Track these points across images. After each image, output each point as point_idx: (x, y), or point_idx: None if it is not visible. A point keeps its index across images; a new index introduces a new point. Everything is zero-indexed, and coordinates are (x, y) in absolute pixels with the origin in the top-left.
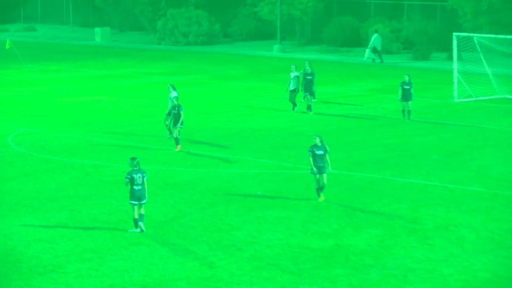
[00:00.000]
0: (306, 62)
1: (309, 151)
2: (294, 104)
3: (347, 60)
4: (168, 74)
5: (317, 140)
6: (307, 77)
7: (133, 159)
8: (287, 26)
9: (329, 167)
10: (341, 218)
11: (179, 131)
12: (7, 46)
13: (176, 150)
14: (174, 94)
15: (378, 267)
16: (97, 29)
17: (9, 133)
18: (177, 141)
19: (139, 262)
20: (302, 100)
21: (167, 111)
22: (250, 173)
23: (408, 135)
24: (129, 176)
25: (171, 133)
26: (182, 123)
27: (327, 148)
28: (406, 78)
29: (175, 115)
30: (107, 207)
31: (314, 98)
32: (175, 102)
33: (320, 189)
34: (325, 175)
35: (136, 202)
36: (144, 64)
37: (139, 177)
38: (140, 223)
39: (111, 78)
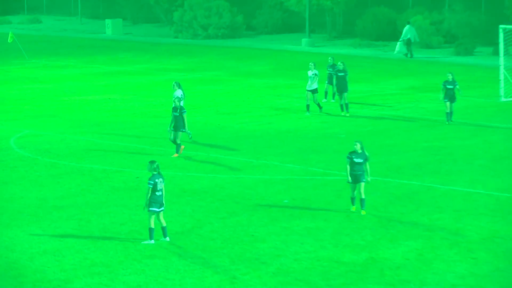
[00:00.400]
0: (329, 58)
1: (347, 157)
2: (319, 106)
3: (382, 55)
4: (186, 70)
5: (358, 147)
6: (339, 74)
7: (152, 162)
8: (316, 17)
9: (368, 177)
10: (375, 229)
11: (180, 135)
12: (9, 40)
13: (174, 156)
14: (178, 93)
15: (416, 283)
16: (108, 21)
17: (11, 135)
18: (178, 146)
19: (154, 276)
20: (333, 100)
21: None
22: (275, 179)
23: (450, 138)
24: (152, 182)
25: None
26: (186, 127)
27: (368, 156)
28: (450, 77)
29: (176, 118)
30: (119, 217)
31: (333, 99)
32: (177, 104)
33: (360, 201)
34: (362, 185)
35: (157, 210)
36: (160, 59)
37: (160, 182)
38: (167, 238)
39: (123, 74)
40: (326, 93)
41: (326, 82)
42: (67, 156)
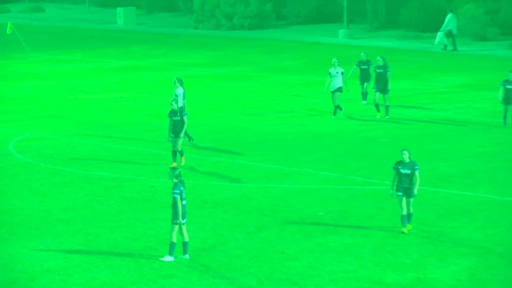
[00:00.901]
0: (362, 54)
1: (394, 168)
2: (339, 108)
3: (430, 49)
4: (207, 65)
5: (405, 156)
6: (378, 70)
7: (174, 169)
8: (355, 5)
9: (415, 190)
10: (422, 245)
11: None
12: (8, 31)
13: (182, 163)
14: (180, 90)
15: None
16: (120, 10)
17: (10, 138)
18: (181, 153)
19: None
20: (364, 101)
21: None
22: (309, 189)
23: (507, 143)
24: (178, 191)
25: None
26: (184, 133)
27: (417, 166)
28: (511, 76)
29: (176, 122)
30: (131, 231)
31: (364, 100)
32: (175, 106)
33: (406, 216)
34: (411, 201)
35: (183, 221)
36: (178, 53)
37: (183, 190)
38: (186, 255)
39: (136, 70)
40: (364, 94)
41: (359, 82)
42: (73, 163)
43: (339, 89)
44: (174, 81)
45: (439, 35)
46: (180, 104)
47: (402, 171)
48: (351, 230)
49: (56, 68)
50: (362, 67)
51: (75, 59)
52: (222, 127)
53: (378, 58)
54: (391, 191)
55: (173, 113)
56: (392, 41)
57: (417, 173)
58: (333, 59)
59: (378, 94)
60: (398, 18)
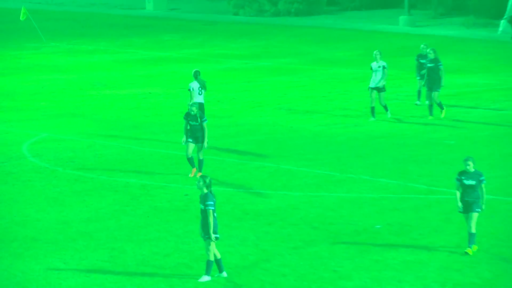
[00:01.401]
0: (422, 46)
1: (456, 179)
2: (385, 109)
3: (503, 38)
4: (249, 56)
5: (470, 166)
6: (429, 65)
7: (204, 177)
8: None
9: (483, 204)
10: (495, 263)
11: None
12: (21, 17)
13: (191, 175)
14: (195, 85)
15: None
16: None
17: (24, 140)
18: (192, 163)
19: None
20: (417, 102)
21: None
22: (365, 198)
23: None
24: (212, 203)
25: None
26: (206, 141)
27: (483, 177)
28: None
29: (195, 128)
30: (162, 246)
31: (418, 100)
32: (194, 111)
33: (474, 234)
34: (475, 216)
35: (217, 236)
36: (215, 42)
37: (215, 202)
38: (223, 273)
39: (167, 62)
40: (419, 92)
41: (417, 78)
42: (96, 168)
43: (382, 88)
44: (194, 74)
45: (502, 23)
46: (199, 99)
47: (466, 182)
48: (413, 246)
49: (76, 59)
50: (421, 61)
51: (97, 50)
52: (266, 128)
53: (428, 50)
54: (459, 204)
55: (190, 117)
56: (460, 29)
57: (483, 184)
58: (374, 52)
59: (428, 93)
60: (466, 3)
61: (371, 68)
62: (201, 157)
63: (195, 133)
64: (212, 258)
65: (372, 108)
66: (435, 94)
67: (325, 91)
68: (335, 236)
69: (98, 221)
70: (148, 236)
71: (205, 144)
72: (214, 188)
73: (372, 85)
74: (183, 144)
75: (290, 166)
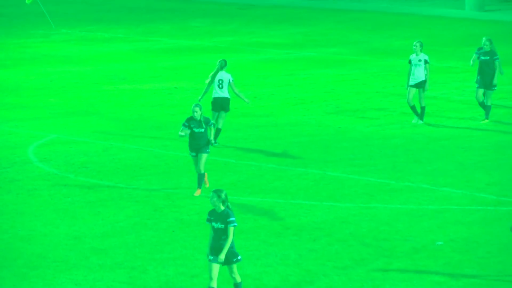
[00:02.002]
0: (484, 39)
1: None
2: (415, 112)
3: None
4: (290, 46)
5: None
6: (483, 58)
7: (219, 192)
8: None
9: None
10: None
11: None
12: (27, 0)
13: (196, 194)
14: (225, 76)
15: None
16: None
17: (30, 142)
18: (200, 180)
19: None
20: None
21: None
22: (424, 210)
23: None
24: (234, 218)
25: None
26: (213, 137)
27: None
28: None
29: (198, 135)
30: (189, 265)
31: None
32: (197, 115)
33: None
34: None
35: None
36: (251, 29)
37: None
38: None
39: (196, 52)
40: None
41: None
42: (113, 174)
43: (422, 84)
44: (219, 64)
45: None
46: (225, 94)
47: None
48: (480, 266)
49: (90, 49)
50: (483, 58)
51: (115, 38)
52: (310, 128)
53: (483, 40)
54: None
55: (194, 123)
56: None
57: None
58: (414, 43)
59: (481, 91)
60: None
61: (410, 62)
62: (202, 171)
63: (199, 142)
64: (239, 280)
65: (413, 108)
66: (488, 93)
67: (379, 86)
68: (390, 254)
69: (115, 236)
70: (173, 254)
71: (214, 140)
72: (250, 199)
73: (412, 82)
74: (190, 155)
75: (337, 173)
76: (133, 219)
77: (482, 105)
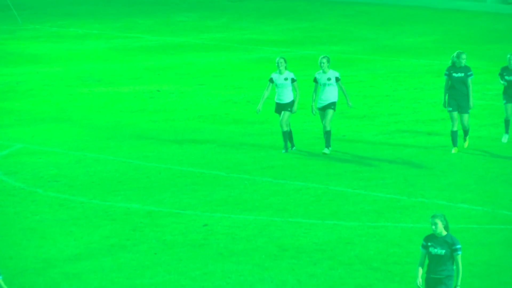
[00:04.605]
0: (509, 56)
1: None
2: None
3: None
4: (288, 43)
5: None
6: (508, 78)
7: (440, 215)
8: None
9: None
10: None
11: None
12: None
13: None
14: (289, 75)
15: None
16: None
17: None
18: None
19: None
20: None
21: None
22: None
23: None
24: (460, 246)
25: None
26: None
27: None
28: None
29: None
30: None
31: None
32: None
33: None
34: None
35: None
36: (244, 24)
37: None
38: None
39: (182, 50)
40: (507, 123)
41: (504, 101)
42: (87, 189)
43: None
44: (277, 63)
45: None
46: (291, 98)
47: None
48: None
49: (62, 47)
50: (508, 78)
51: (90, 34)
52: (311, 137)
53: (509, 56)
54: None
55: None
56: None
57: None
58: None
59: (509, 106)
60: None
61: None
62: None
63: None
64: None
65: (508, 123)
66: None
67: (389, 89)
68: (401, 279)
69: (89, 259)
70: (155, 280)
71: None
72: (242, 217)
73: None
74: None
75: (342, 187)
76: (109, 240)
77: (507, 123)
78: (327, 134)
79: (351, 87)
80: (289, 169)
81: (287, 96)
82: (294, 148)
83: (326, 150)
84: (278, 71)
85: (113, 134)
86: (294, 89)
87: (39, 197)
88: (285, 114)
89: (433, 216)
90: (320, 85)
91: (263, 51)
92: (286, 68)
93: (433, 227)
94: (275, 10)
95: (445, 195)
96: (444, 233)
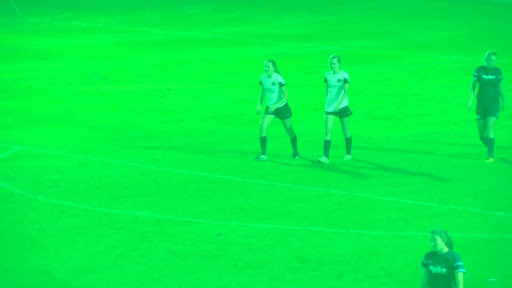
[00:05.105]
0: None
1: None
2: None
3: None
4: (309, 38)
5: None
6: None
7: (441, 231)
8: None
9: None
10: None
11: None
12: None
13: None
14: (278, 79)
15: None
16: None
17: None
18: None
19: None
20: None
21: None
22: (473, 239)
23: None
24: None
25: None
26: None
27: None
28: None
29: None
30: None
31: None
32: None
33: None
34: None
35: None
36: (261, 17)
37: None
38: None
39: (194, 45)
40: None
41: None
42: (91, 195)
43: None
44: (265, 66)
45: None
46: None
47: None
48: None
49: (64, 42)
50: (486, 77)
51: (94, 28)
52: (333, 139)
53: (488, 53)
54: None
55: None
56: None
57: None
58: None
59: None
60: None
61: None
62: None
63: None
64: None
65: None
66: None
67: (418, 87)
68: None
69: (94, 272)
70: None
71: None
72: (259, 225)
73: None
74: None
75: (367, 193)
76: (115, 250)
77: None
78: (348, 141)
79: (377, 85)
80: (310, 174)
81: (276, 101)
82: (298, 156)
83: (347, 157)
84: (266, 75)
85: (119, 136)
86: (282, 93)
87: (39, 204)
88: (267, 118)
89: (433, 232)
90: (329, 87)
91: (282, 46)
92: (275, 71)
93: (432, 243)
94: (295, 2)
95: (479, 202)
96: (446, 250)
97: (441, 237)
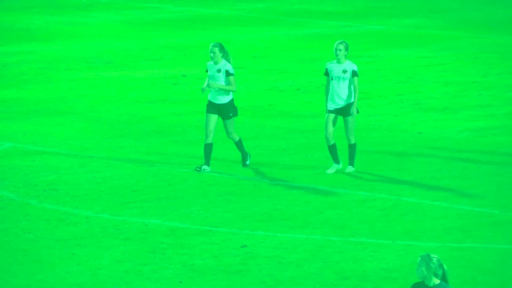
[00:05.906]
0: None
1: None
2: None
3: None
4: (349, 15)
5: None
6: None
7: (429, 258)
8: None
9: None
10: None
11: None
12: None
13: None
14: (226, 66)
15: None
16: None
17: None
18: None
19: None
20: None
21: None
22: (508, 250)
23: None
24: None
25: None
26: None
27: None
28: None
29: None
30: None
31: None
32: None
33: None
34: None
35: None
36: None
37: None
38: None
39: (212, 25)
40: None
41: None
42: (94, 200)
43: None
44: (211, 49)
45: None
46: (228, 98)
47: None
48: None
49: (62, 19)
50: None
51: (97, 3)
52: (377, 134)
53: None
54: None
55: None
56: None
57: None
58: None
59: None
60: None
61: None
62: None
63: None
64: None
65: None
66: None
67: (478, 74)
68: None
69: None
70: None
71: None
72: (291, 235)
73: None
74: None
75: (417, 198)
76: (122, 265)
77: None
78: (351, 148)
79: (428, 71)
80: (350, 175)
81: (221, 94)
82: (248, 164)
83: (349, 169)
84: (213, 61)
85: (126, 130)
86: (229, 84)
87: (33, 210)
88: (212, 119)
89: (421, 257)
90: (332, 79)
91: (317, 25)
92: (223, 58)
93: (417, 271)
94: None
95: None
96: (436, 281)
97: (426, 266)
